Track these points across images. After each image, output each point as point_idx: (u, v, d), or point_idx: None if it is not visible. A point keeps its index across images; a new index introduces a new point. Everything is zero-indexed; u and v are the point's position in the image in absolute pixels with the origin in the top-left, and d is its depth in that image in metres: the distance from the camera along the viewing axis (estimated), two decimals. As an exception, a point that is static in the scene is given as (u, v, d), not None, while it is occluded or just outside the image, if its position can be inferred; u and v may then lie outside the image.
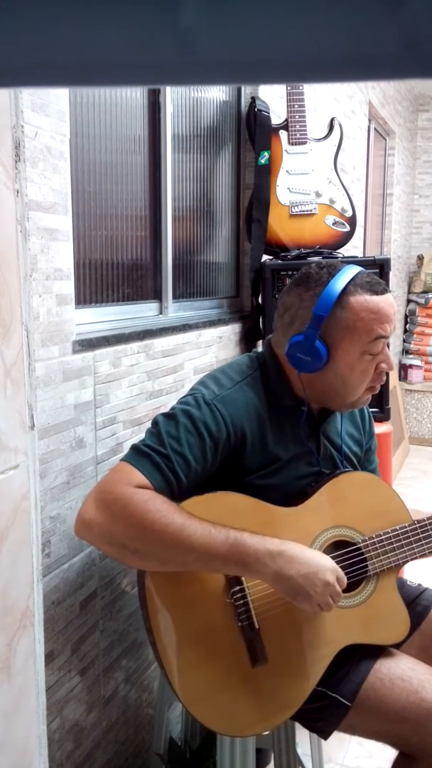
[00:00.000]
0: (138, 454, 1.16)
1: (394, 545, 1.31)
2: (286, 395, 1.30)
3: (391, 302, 1.25)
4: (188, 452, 1.16)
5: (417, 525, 1.33)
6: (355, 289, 1.22)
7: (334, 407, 1.34)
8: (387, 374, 1.32)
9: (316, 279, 1.25)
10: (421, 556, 1.32)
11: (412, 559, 1.32)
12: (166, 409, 1.27)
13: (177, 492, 1.16)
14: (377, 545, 1.30)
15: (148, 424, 1.25)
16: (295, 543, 1.15)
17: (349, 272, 1.24)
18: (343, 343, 1.23)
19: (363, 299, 1.22)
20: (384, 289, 1.25)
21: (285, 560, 1.11)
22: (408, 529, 1.32)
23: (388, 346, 1.28)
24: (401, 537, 1.31)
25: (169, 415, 1.20)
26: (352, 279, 1.23)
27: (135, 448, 1.17)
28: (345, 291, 1.22)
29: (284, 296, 1.30)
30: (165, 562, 1.12)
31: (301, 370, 1.26)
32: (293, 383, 1.30)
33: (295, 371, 1.27)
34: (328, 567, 1.14)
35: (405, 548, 1.31)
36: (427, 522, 1.33)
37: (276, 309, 1.32)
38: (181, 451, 1.16)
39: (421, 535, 1.32)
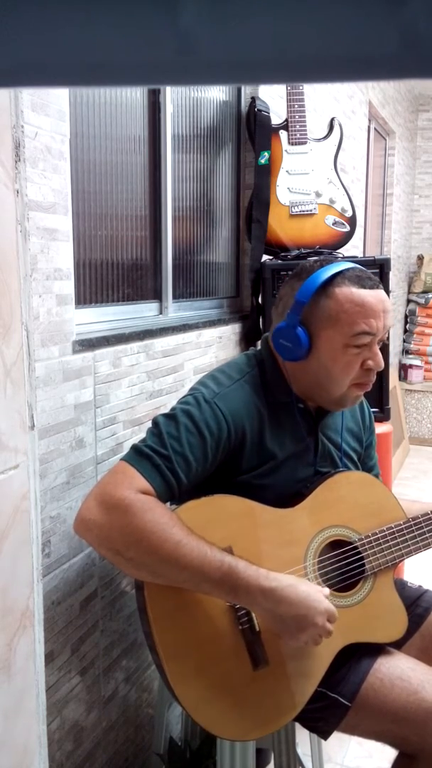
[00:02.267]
0: (139, 455, 1.15)
1: (390, 543, 1.31)
2: (283, 391, 1.30)
3: (381, 299, 1.23)
4: (189, 452, 1.16)
5: (412, 522, 1.33)
6: (342, 281, 1.22)
7: (321, 403, 1.32)
8: (381, 373, 1.31)
9: (308, 270, 1.26)
10: (416, 552, 1.33)
11: (408, 557, 1.33)
12: (166, 409, 1.27)
13: (177, 493, 1.16)
14: (374, 544, 1.30)
15: (149, 424, 1.25)
16: (290, 578, 1.13)
17: (341, 265, 1.24)
18: (325, 332, 1.22)
19: (349, 291, 1.21)
20: (374, 285, 1.23)
21: (275, 601, 1.09)
22: (403, 526, 1.33)
23: (383, 346, 1.28)
24: (397, 535, 1.32)
25: (170, 416, 1.20)
26: (341, 271, 1.23)
27: (136, 449, 1.17)
28: (331, 281, 1.22)
29: (281, 288, 1.32)
30: (157, 576, 1.11)
31: (285, 358, 1.26)
32: (287, 378, 1.30)
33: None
34: (319, 610, 1.12)
35: (401, 546, 1.31)
36: (421, 519, 1.34)
37: (274, 302, 1.33)
38: (182, 452, 1.16)
39: (415, 532, 1.33)
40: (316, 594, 1.13)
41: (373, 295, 1.22)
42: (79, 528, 1.13)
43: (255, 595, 1.09)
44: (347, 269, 1.23)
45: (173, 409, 1.22)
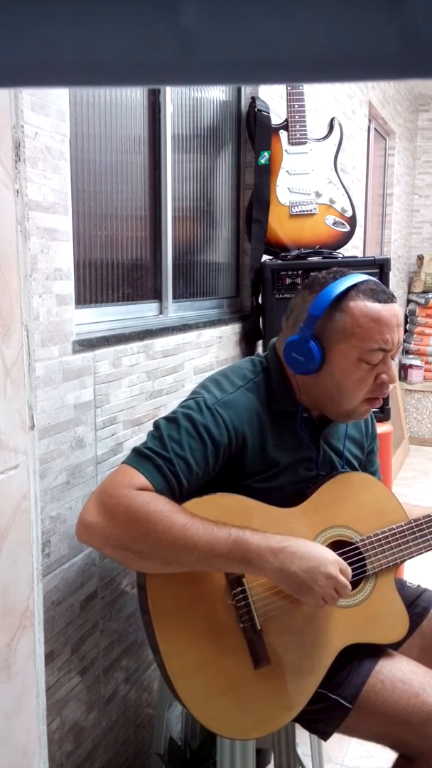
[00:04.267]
0: (139, 457, 1.16)
1: (392, 544, 1.31)
2: (287, 400, 1.30)
3: (395, 313, 1.22)
4: (190, 456, 1.16)
5: (413, 524, 1.33)
6: (357, 295, 1.21)
7: (329, 415, 1.32)
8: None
9: (321, 282, 1.24)
10: (417, 554, 1.33)
11: (409, 558, 1.33)
12: (166, 410, 1.27)
13: (178, 495, 1.16)
14: (375, 544, 1.30)
15: (148, 425, 1.25)
16: (298, 538, 1.15)
17: (355, 278, 1.23)
18: (339, 346, 1.22)
19: (363, 305, 1.20)
20: (389, 299, 1.22)
21: (287, 556, 1.11)
22: (405, 528, 1.32)
23: (393, 359, 1.26)
24: (398, 536, 1.32)
25: (171, 419, 1.20)
26: (355, 284, 1.21)
27: (136, 451, 1.17)
28: (345, 295, 1.21)
29: (292, 299, 1.31)
30: (168, 563, 1.11)
31: (296, 371, 1.25)
32: (295, 388, 1.30)
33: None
34: (329, 560, 1.14)
35: (402, 547, 1.31)
36: (423, 520, 1.34)
37: (285, 312, 1.33)
38: (183, 455, 1.16)
39: (417, 534, 1.33)
40: (324, 548, 1.17)
41: (387, 310, 1.20)
42: (81, 532, 1.13)
43: (267, 557, 1.10)
44: (361, 282, 1.22)
45: (174, 412, 1.22)
